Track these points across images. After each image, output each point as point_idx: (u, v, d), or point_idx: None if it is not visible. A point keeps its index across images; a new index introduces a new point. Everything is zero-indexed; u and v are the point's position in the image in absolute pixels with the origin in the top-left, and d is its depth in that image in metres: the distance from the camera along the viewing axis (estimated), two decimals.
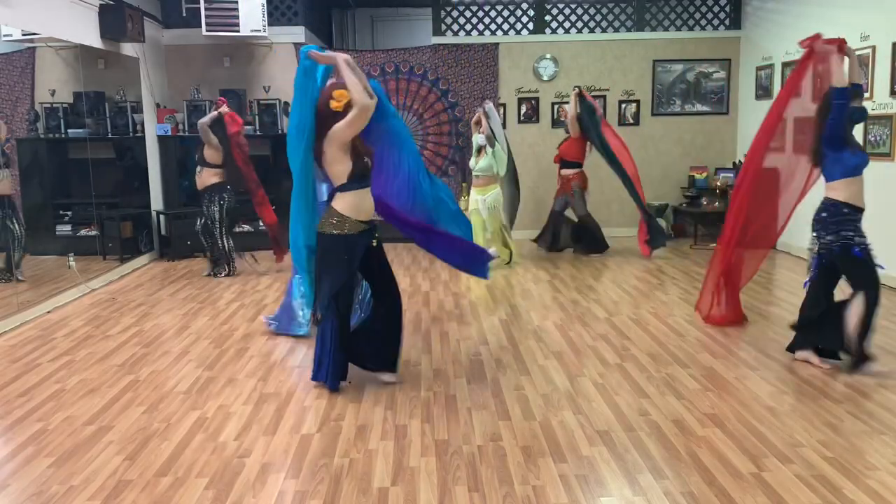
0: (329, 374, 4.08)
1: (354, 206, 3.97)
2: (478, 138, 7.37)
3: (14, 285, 6.32)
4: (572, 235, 8.42)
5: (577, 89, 8.08)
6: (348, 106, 3.83)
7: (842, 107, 4.16)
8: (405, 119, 9.17)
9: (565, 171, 8.18)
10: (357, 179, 3.95)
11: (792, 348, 4.57)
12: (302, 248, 4.28)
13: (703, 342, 4.92)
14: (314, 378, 4.17)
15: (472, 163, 7.48)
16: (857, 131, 6.75)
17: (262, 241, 7.89)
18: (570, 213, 8.37)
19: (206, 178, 7.16)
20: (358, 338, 4.21)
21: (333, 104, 3.85)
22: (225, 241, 7.31)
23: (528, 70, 9.31)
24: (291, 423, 3.71)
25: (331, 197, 4.03)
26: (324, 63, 3.98)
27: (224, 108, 7.02)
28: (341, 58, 3.90)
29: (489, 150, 7.24)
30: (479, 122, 7.43)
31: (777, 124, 4.76)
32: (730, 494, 2.91)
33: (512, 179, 7.97)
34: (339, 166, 3.92)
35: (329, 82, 4.04)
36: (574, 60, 9.32)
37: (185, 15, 8.72)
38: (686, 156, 9.47)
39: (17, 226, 6.53)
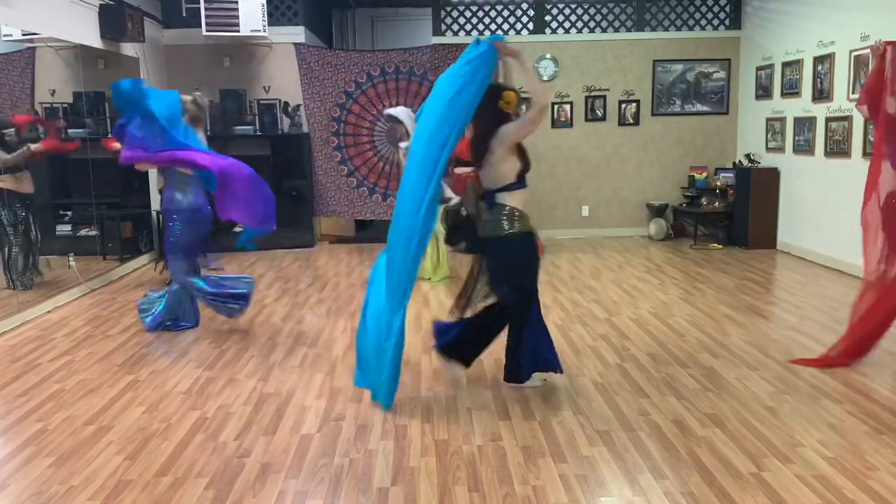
0: (522, 369, 4.09)
1: (524, 204, 3.97)
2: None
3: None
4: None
5: None
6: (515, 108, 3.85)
7: None
8: None
9: (459, 170, 8.04)
10: (523, 178, 3.95)
11: None
12: (408, 270, 3.73)
13: (703, 342, 4.92)
14: (512, 381, 4.13)
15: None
16: (858, 132, 6.80)
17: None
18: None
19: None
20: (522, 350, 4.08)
21: (503, 105, 3.85)
22: None
23: None
24: (291, 423, 3.71)
25: (491, 197, 3.94)
26: (507, 55, 3.92)
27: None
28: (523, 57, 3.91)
29: None
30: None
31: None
32: (730, 494, 2.91)
33: None
34: (507, 165, 3.89)
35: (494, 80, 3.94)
36: (574, 60, 9.32)
37: (185, 15, 8.73)
38: (686, 156, 9.47)
39: (34, 228, 6.53)
